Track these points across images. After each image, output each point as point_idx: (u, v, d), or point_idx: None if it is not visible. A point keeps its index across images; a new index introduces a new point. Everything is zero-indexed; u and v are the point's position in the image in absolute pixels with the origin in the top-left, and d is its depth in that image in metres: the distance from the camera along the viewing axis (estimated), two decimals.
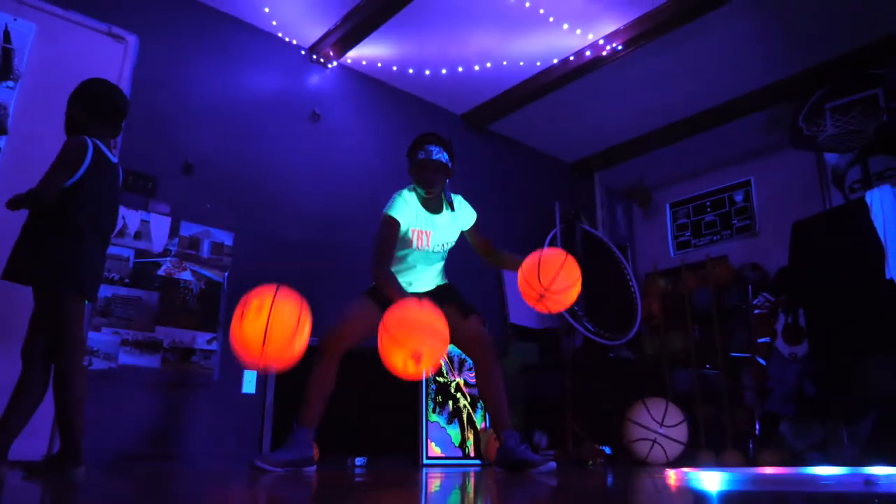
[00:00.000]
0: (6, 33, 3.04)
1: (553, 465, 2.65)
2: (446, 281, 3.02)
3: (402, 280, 2.83)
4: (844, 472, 1.08)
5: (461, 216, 2.95)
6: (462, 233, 3.01)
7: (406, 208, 2.77)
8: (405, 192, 2.84)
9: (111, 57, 3.37)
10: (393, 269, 2.82)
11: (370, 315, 2.63)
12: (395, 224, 2.73)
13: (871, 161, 4.43)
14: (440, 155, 2.78)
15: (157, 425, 3.29)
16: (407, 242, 2.82)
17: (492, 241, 3.04)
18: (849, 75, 4.51)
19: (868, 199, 3.75)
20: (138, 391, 3.26)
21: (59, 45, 3.22)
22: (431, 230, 2.84)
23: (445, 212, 2.90)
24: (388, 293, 2.57)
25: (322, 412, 2.65)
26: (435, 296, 2.81)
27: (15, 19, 3.09)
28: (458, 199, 2.95)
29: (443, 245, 2.90)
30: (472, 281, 4.77)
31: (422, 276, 2.92)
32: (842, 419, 4.18)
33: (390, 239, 2.72)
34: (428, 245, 2.85)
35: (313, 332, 2.25)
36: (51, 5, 3.21)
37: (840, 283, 3.84)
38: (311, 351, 2.38)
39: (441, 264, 2.99)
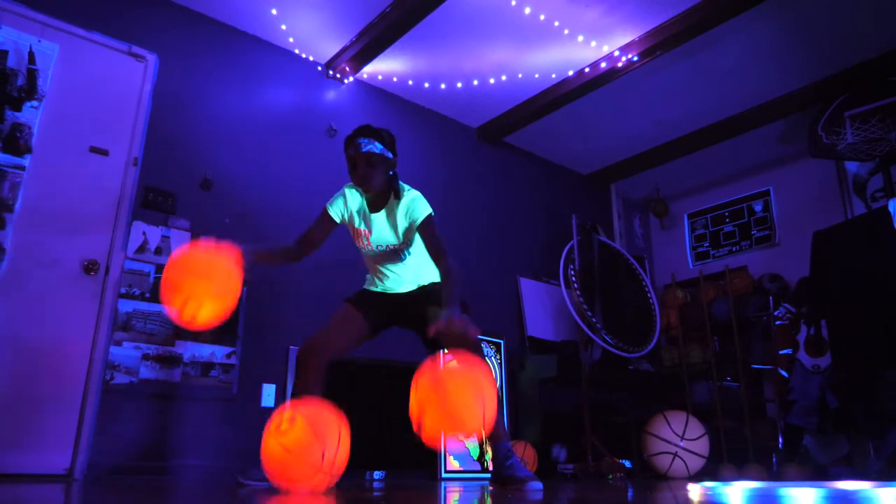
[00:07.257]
0: (31, 54, 3.11)
1: (539, 485, 2.40)
2: (432, 281, 2.65)
3: (373, 279, 2.70)
4: (873, 486, 1.06)
5: (408, 213, 2.53)
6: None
7: (341, 202, 2.62)
8: (349, 187, 2.66)
9: (132, 76, 3.44)
10: (369, 272, 2.73)
11: (350, 320, 2.55)
12: (324, 214, 2.63)
13: (893, 169, 4.38)
14: (371, 146, 2.52)
15: (176, 439, 3.30)
16: (354, 241, 2.65)
17: (446, 268, 2.40)
18: (868, 83, 4.47)
19: (891, 208, 3.70)
20: (159, 405, 3.28)
21: (82, 65, 3.29)
22: (370, 230, 2.58)
23: (388, 208, 2.57)
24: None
25: None
26: (415, 300, 2.62)
27: (39, 41, 3.16)
28: (411, 194, 2.56)
29: (388, 246, 2.58)
30: (489, 291, 4.77)
31: (390, 276, 2.65)
32: (867, 432, 4.11)
33: (314, 223, 2.66)
34: (369, 244, 2.59)
35: None
36: (73, 26, 3.28)
37: (863, 294, 3.78)
38: None
39: (417, 263, 2.64)
